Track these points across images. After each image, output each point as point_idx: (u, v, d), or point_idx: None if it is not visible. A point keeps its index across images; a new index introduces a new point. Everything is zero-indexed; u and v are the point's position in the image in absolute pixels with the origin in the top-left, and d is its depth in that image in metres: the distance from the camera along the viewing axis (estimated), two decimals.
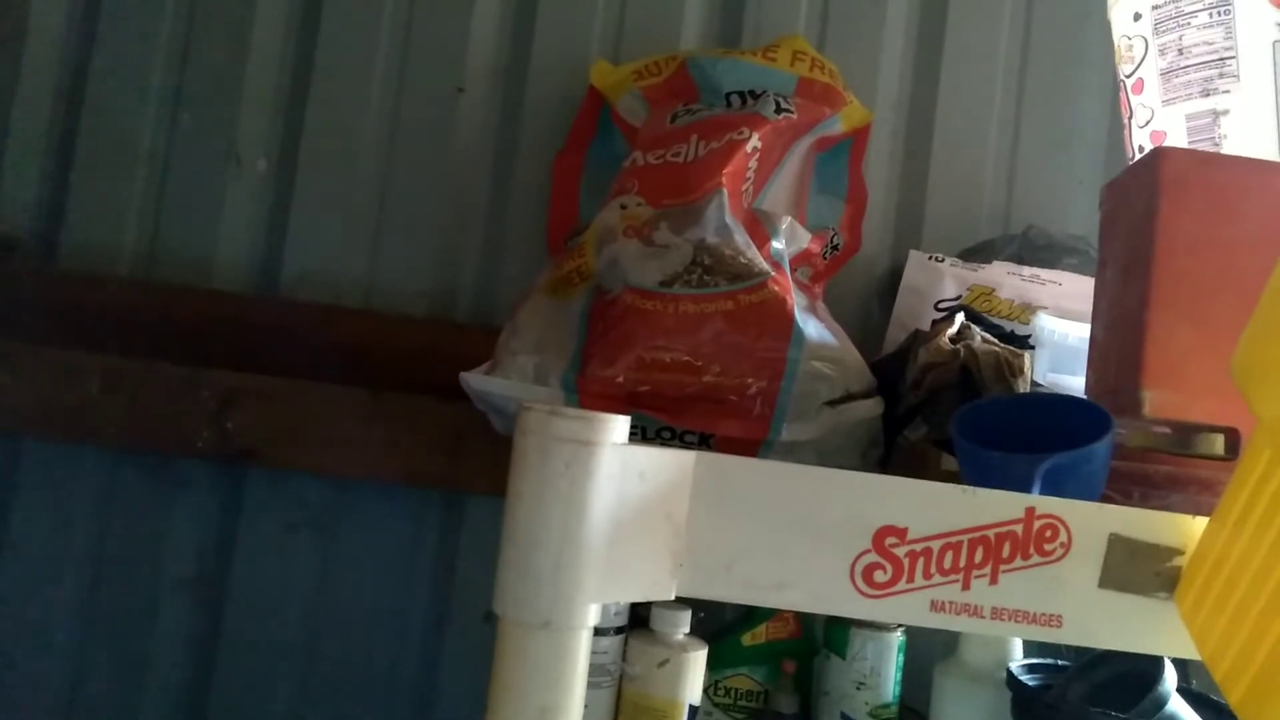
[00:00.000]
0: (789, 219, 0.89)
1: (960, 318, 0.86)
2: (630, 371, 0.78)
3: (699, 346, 0.78)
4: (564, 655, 0.46)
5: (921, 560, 0.48)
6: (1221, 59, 0.71)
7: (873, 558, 0.48)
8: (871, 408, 0.80)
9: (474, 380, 0.81)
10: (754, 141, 0.90)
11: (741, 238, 0.83)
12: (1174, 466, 0.65)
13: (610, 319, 0.80)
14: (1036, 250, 1.04)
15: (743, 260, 0.81)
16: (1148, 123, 0.75)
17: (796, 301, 0.81)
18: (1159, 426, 0.63)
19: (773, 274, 0.81)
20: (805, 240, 0.91)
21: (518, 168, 1.11)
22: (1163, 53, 0.74)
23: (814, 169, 1.03)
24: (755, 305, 0.79)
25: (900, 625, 0.92)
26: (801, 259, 0.94)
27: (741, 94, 0.97)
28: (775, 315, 0.79)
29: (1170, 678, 0.73)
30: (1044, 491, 0.54)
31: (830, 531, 0.48)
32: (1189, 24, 0.72)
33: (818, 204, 1.04)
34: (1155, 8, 0.74)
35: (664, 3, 1.13)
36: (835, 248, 1.03)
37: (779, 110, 0.94)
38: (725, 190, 0.85)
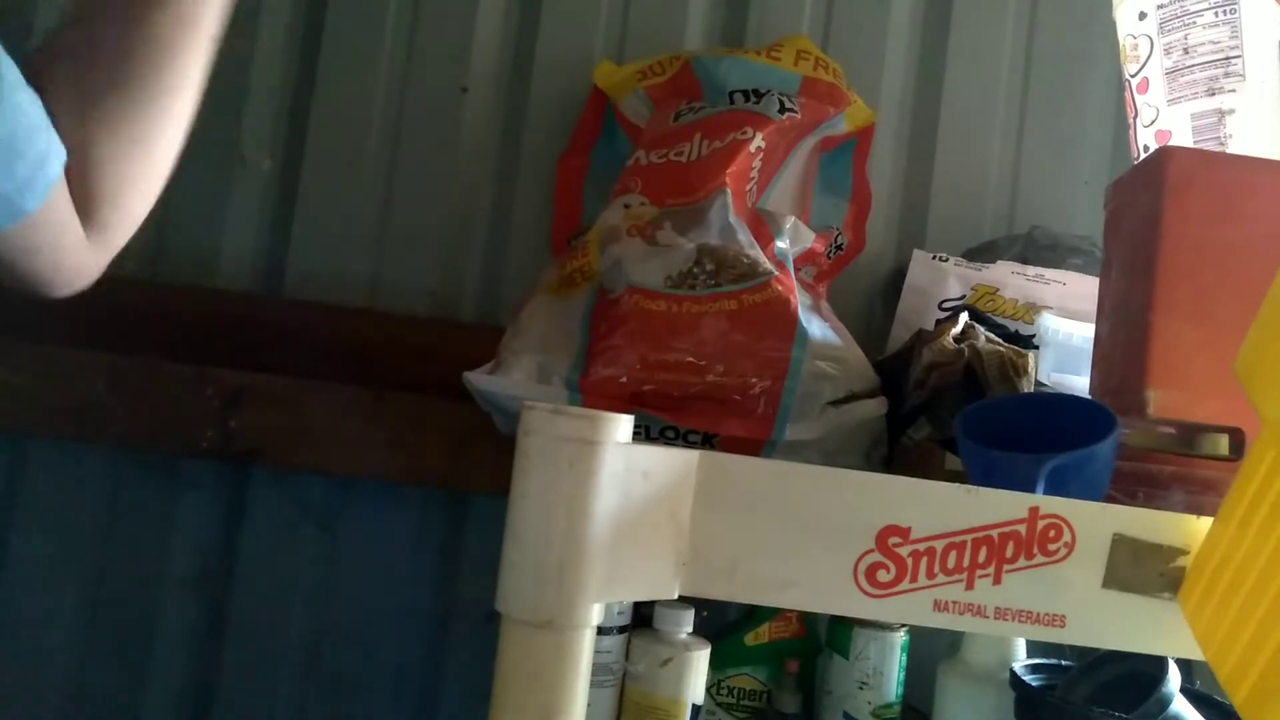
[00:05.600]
0: (793, 219, 0.89)
1: (964, 317, 0.86)
2: (633, 371, 0.78)
3: (702, 346, 0.78)
4: (567, 654, 0.46)
5: (925, 560, 0.48)
6: (1227, 58, 0.71)
7: (876, 557, 0.48)
8: (875, 407, 0.80)
9: (477, 380, 0.81)
10: (758, 141, 0.90)
11: (745, 237, 0.83)
12: (1178, 466, 0.65)
13: (613, 319, 0.80)
14: (1041, 250, 1.03)
15: (746, 260, 0.81)
16: (1153, 122, 0.75)
17: (800, 301, 0.81)
18: (1163, 426, 0.63)
19: (776, 274, 0.81)
20: (809, 240, 0.91)
21: (522, 167, 1.11)
22: (1168, 52, 0.73)
23: (818, 169, 1.03)
24: (759, 305, 0.79)
25: (903, 625, 0.92)
26: (805, 258, 0.94)
27: (745, 93, 0.97)
28: (779, 315, 0.79)
29: (1174, 678, 0.73)
30: (1048, 491, 0.54)
31: (833, 531, 0.48)
32: (1194, 23, 0.72)
33: (822, 204, 1.04)
34: (1160, 7, 0.74)
35: (668, 3, 1.13)
36: (839, 247, 1.02)
37: (783, 110, 0.94)
38: (729, 190, 0.85)
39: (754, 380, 0.78)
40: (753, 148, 0.90)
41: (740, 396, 0.78)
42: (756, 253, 0.82)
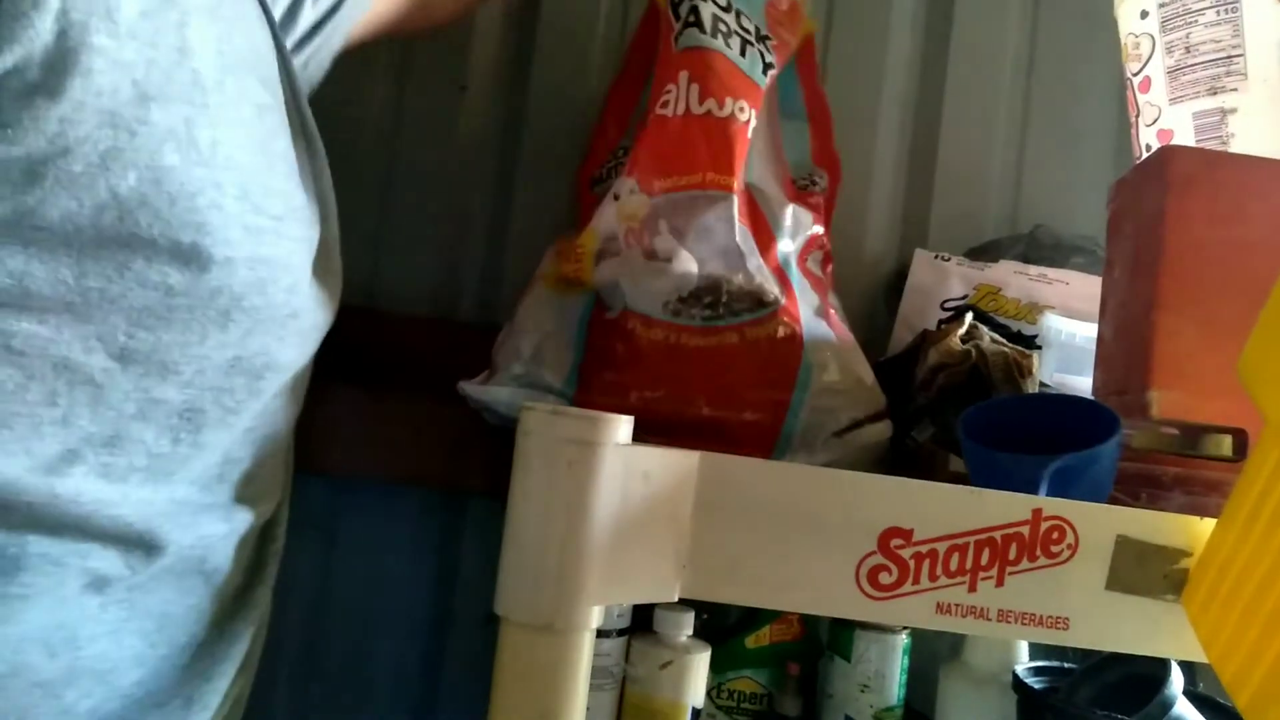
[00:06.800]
0: (790, 207, 0.84)
1: (969, 317, 0.85)
2: (627, 404, 0.76)
3: (700, 380, 0.76)
4: (566, 658, 0.45)
5: (927, 562, 0.48)
6: (1229, 57, 0.70)
7: (878, 559, 0.48)
8: (880, 431, 0.77)
9: (472, 390, 0.80)
10: (750, 116, 0.84)
11: (749, 250, 0.79)
12: (1182, 468, 0.64)
13: (610, 341, 0.78)
14: (1044, 249, 1.03)
15: (750, 290, 0.78)
16: (1155, 121, 0.75)
17: (807, 302, 0.79)
18: (1167, 427, 0.63)
19: (783, 302, 0.78)
20: (809, 223, 0.85)
21: (521, 166, 1.11)
22: (1170, 51, 0.73)
23: (777, 96, 0.95)
24: (761, 340, 0.77)
25: (905, 627, 0.92)
26: (811, 244, 0.89)
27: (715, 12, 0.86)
28: (782, 351, 0.76)
29: (1177, 680, 0.72)
30: (1051, 493, 0.53)
31: (835, 533, 0.48)
32: (1196, 22, 0.72)
33: (786, 131, 0.97)
34: (1162, 5, 0.74)
35: None
36: (817, 185, 0.94)
37: (765, 69, 0.86)
38: (734, 197, 0.80)
39: (752, 416, 0.76)
40: (750, 130, 0.84)
41: (738, 430, 0.76)
42: (762, 276, 0.78)
